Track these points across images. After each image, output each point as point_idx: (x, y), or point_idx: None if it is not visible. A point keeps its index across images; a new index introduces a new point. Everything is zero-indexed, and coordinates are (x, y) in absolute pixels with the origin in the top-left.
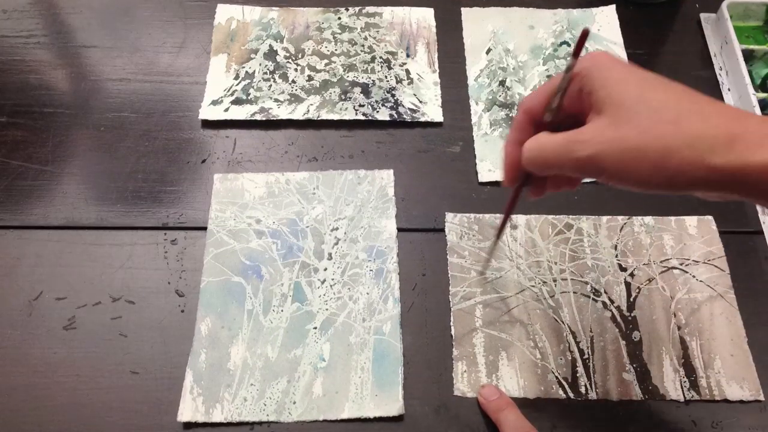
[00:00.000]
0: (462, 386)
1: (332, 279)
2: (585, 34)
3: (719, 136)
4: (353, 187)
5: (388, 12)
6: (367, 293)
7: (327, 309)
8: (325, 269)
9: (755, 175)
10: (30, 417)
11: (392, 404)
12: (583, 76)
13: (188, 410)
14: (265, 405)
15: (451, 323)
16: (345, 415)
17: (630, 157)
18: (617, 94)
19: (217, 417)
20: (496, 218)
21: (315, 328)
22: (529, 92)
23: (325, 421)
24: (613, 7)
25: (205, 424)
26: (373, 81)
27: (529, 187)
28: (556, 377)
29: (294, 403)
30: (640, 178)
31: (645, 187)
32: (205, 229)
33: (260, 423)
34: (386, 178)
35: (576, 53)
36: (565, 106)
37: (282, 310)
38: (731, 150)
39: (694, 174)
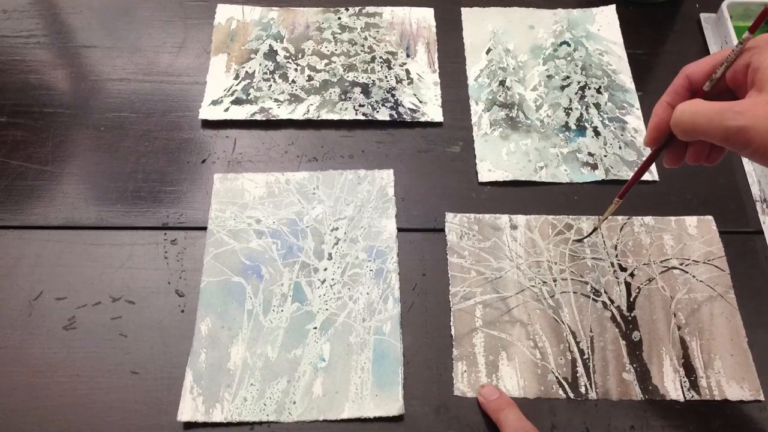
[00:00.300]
0: (462, 386)
1: (332, 279)
2: (766, 11)
3: None
4: (353, 187)
5: (388, 12)
6: (367, 293)
7: (327, 309)
8: (325, 269)
9: None
10: (30, 417)
11: (392, 404)
12: (754, 51)
13: (188, 410)
14: (265, 405)
15: (451, 323)
16: (345, 415)
17: None
18: None
19: (217, 417)
20: (497, 218)
21: (315, 328)
22: (529, 92)
23: (325, 421)
24: (613, 7)
25: (205, 424)
26: (373, 81)
27: (667, 153)
28: (556, 377)
29: (294, 403)
30: None
31: None
32: (205, 229)
33: (260, 423)
34: (386, 178)
35: (753, 28)
36: (727, 79)
37: (282, 310)
38: None
39: None
